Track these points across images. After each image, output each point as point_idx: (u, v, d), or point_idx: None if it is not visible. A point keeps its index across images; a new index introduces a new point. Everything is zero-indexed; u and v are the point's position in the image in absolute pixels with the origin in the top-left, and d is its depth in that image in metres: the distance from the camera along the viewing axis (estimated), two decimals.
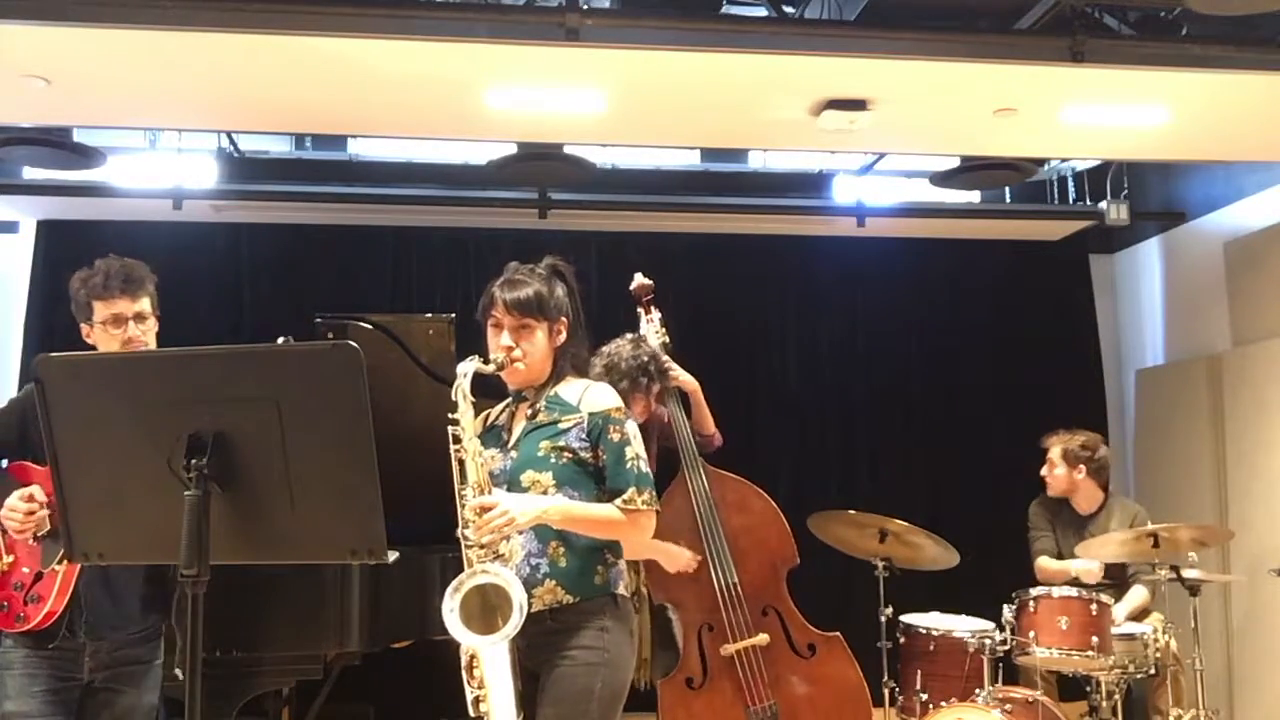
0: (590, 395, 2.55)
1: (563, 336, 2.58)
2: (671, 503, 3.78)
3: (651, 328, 3.99)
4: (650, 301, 4.03)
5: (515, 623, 2.19)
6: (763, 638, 3.73)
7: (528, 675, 2.40)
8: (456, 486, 2.37)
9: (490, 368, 2.46)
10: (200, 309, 5.50)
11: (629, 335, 3.78)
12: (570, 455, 2.47)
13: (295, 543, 1.95)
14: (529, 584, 2.38)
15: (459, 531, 2.36)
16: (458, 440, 2.37)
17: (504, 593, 2.23)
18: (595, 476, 2.50)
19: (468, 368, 2.42)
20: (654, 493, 2.52)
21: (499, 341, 2.51)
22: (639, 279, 4.03)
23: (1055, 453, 4.61)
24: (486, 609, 2.25)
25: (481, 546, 2.30)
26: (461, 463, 2.36)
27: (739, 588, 3.74)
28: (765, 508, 3.87)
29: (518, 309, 2.50)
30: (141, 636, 2.70)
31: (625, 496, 2.46)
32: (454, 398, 2.39)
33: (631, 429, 2.54)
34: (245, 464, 1.87)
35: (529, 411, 2.56)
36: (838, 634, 3.85)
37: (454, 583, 2.25)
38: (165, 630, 2.80)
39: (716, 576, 3.71)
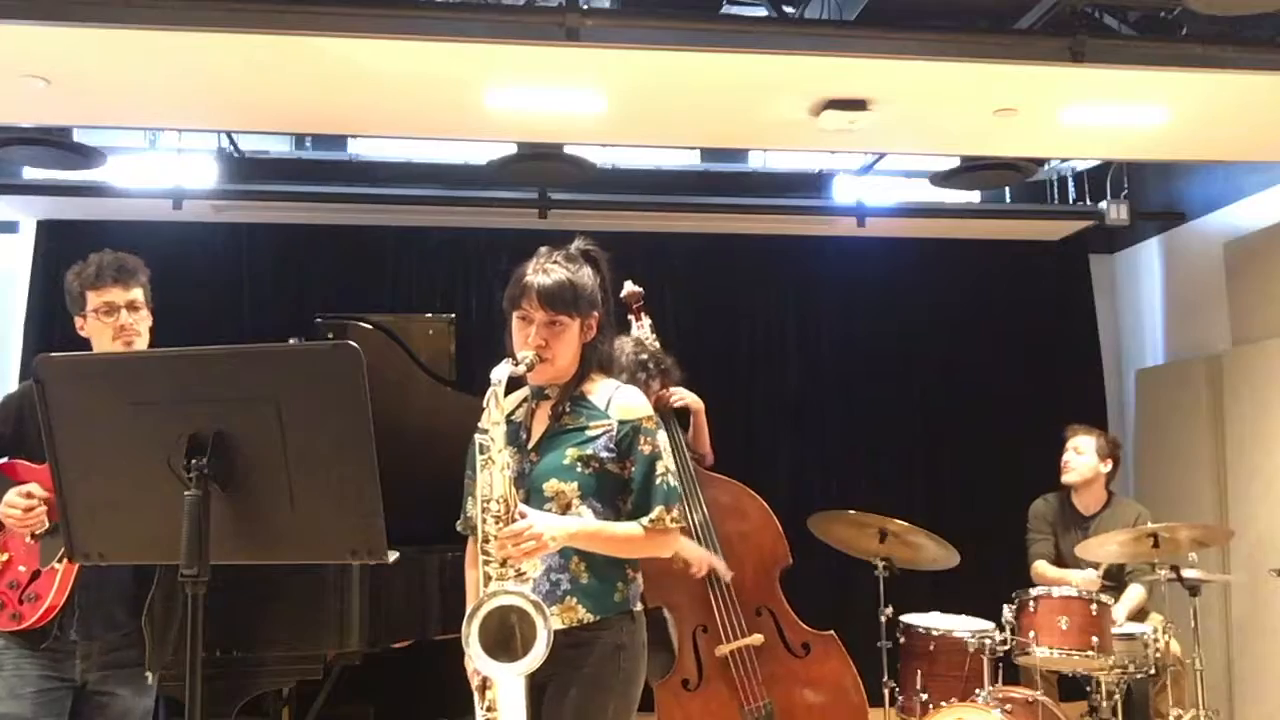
0: (620, 400, 2.40)
1: (593, 332, 2.43)
2: None
3: (642, 334, 3.98)
4: (640, 308, 4.02)
5: (540, 655, 2.06)
6: (756, 638, 3.73)
7: (536, 688, 2.30)
8: (479, 496, 2.22)
9: (522, 369, 2.29)
10: (200, 309, 5.49)
11: (628, 336, 3.79)
12: (597, 465, 2.35)
13: (295, 543, 1.94)
14: (548, 600, 2.29)
15: (479, 545, 2.22)
16: (485, 450, 2.21)
17: (526, 615, 2.09)
18: (621, 486, 2.38)
19: (502, 373, 2.25)
20: (682, 508, 2.42)
21: (526, 335, 2.35)
22: (629, 287, 4.00)
23: (1086, 441, 4.58)
24: (504, 628, 2.13)
25: (502, 564, 2.17)
26: (489, 474, 2.21)
27: (732, 589, 3.74)
28: (757, 509, 3.87)
29: (551, 304, 2.33)
30: (133, 638, 2.69)
31: (653, 515, 2.34)
32: (485, 404, 2.23)
33: (663, 440, 2.41)
34: (245, 464, 1.87)
35: (553, 411, 2.41)
36: (832, 633, 3.85)
37: (472, 606, 2.12)
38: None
39: (710, 579, 3.72)
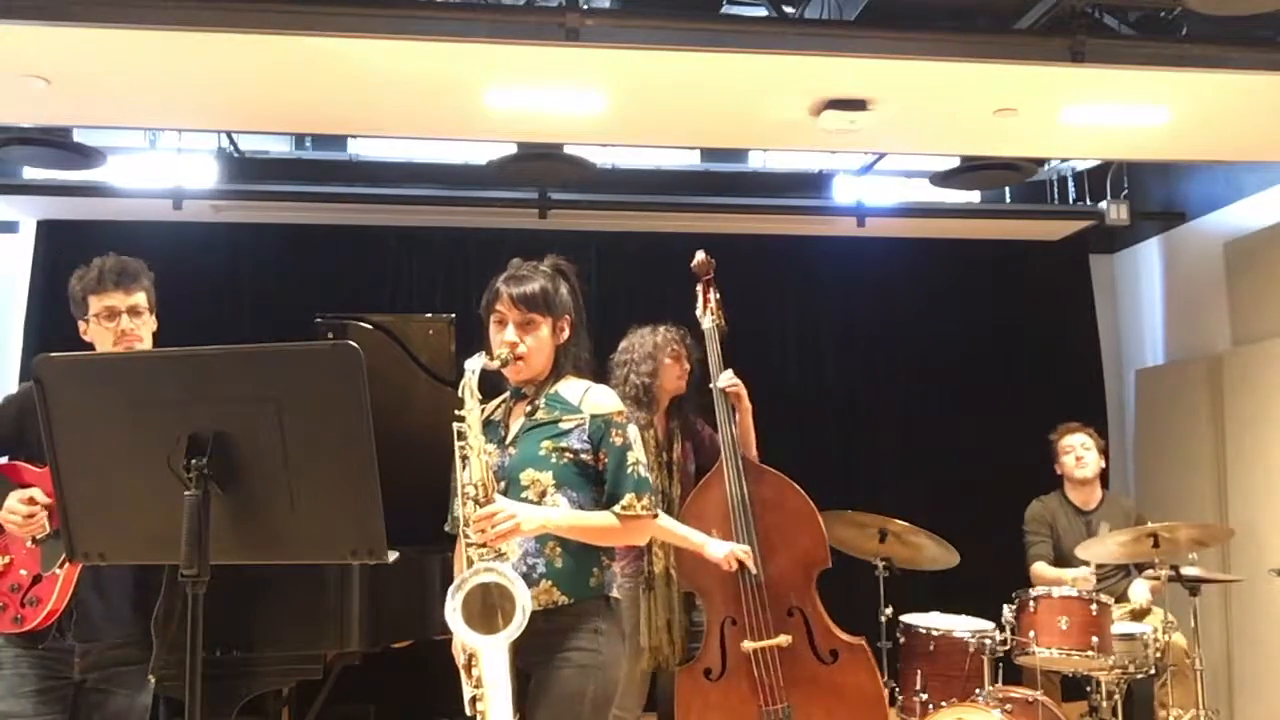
0: (592, 396, 2.53)
1: (565, 334, 2.56)
2: (706, 492, 3.76)
3: (709, 309, 3.96)
4: (710, 281, 3.98)
5: (519, 623, 2.19)
6: (784, 639, 3.67)
7: (520, 676, 2.39)
8: (460, 483, 2.36)
9: (496, 364, 2.45)
10: (200, 309, 5.49)
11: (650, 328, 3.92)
12: (571, 456, 2.47)
13: (295, 543, 1.94)
14: (525, 584, 2.35)
15: (460, 529, 2.36)
16: (462, 436, 2.36)
17: (506, 592, 2.22)
18: (595, 479, 2.49)
19: (476, 364, 2.42)
20: (653, 497, 2.52)
21: (502, 337, 2.49)
22: (700, 255, 3.96)
23: (1086, 438, 4.67)
24: (487, 607, 2.25)
25: (482, 546, 2.30)
26: (465, 459, 2.36)
27: (764, 586, 3.70)
28: (801, 506, 3.78)
29: (523, 304, 2.49)
30: (132, 639, 2.69)
31: (624, 503, 2.45)
32: (460, 394, 2.39)
33: (633, 433, 2.53)
34: (245, 464, 1.87)
35: (528, 408, 2.54)
36: (862, 641, 3.77)
37: (456, 580, 2.25)
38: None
39: (742, 572, 3.67)
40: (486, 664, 2.25)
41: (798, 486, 3.84)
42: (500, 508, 2.32)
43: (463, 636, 2.23)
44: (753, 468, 3.83)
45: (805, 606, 3.76)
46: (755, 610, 3.67)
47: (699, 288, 3.99)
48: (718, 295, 3.98)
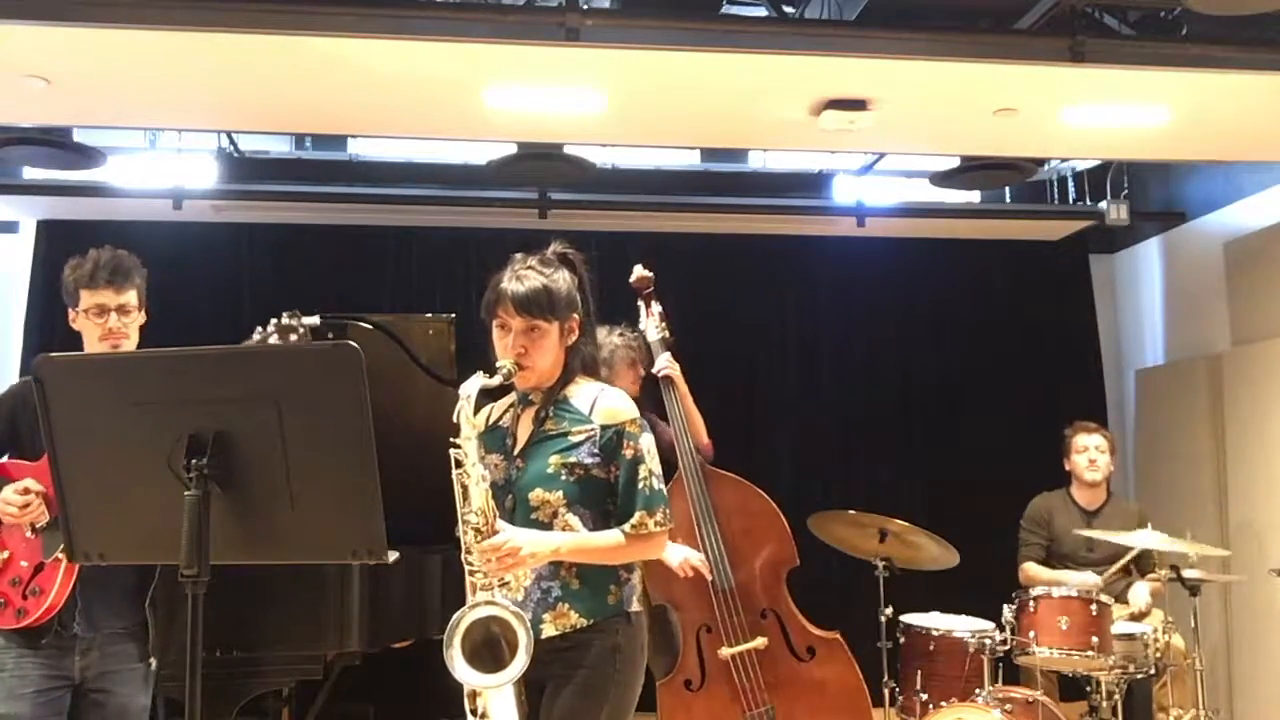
0: (603, 404, 2.39)
1: (574, 335, 2.42)
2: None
3: (651, 322, 3.93)
4: (651, 295, 3.98)
5: (522, 664, 2.10)
6: (760, 641, 3.69)
7: (534, 688, 2.32)
8: (460, 511, 2.23)
9: (496, 380, 2.29)
10: (200, 309, 5.50)
11: (616, 329, 3.82)
12: (582, 473, 2.34)
13: (295, 543, 1.94)
14: (541, 608, 2.32)
15: (462, 557, 2.24)
16: (460, 464, 2.22)
17: (508, 624, 2.14)
18: (609, 491, 2.38)
19: (472, 388, 2.25)
20: (666, 510, 2.39)
21: (506, 344, 2.36)
22: (639, 271, 3.95)
23: (1103, 442, 4.67)
24: (489, 636, 2.16)
25: (485, 574, 2.20)
26: (465, 488, 2.22)
27: (735, 591, 3.71)
28: (764, 508, 3.82)
29: (526, 309, 2.33)
30: (130, 633, 2.70)
31: (634, 521, 2.33)
32: (456, 419, 2.23)
33: (646, 442, 2.39)
34: (245, 464, 1.87)
35: (536, 415, 2.42)
36: (837, 635, 3.81)
37: (454, 619, 2.14)
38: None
39: (712, 580, 3.68)
40: (492, 700, 2.19)
41: (757, 488, 3.85)
42: (506, 539, 2.21)
43: (464, 680, 2.13)
44: (711, 474, 3.83)
45: (778, 607, 3.78)
46: (729, 615, 3.68)
47: (639, 302, 3.96)
48: (660, 308, 3.96)
